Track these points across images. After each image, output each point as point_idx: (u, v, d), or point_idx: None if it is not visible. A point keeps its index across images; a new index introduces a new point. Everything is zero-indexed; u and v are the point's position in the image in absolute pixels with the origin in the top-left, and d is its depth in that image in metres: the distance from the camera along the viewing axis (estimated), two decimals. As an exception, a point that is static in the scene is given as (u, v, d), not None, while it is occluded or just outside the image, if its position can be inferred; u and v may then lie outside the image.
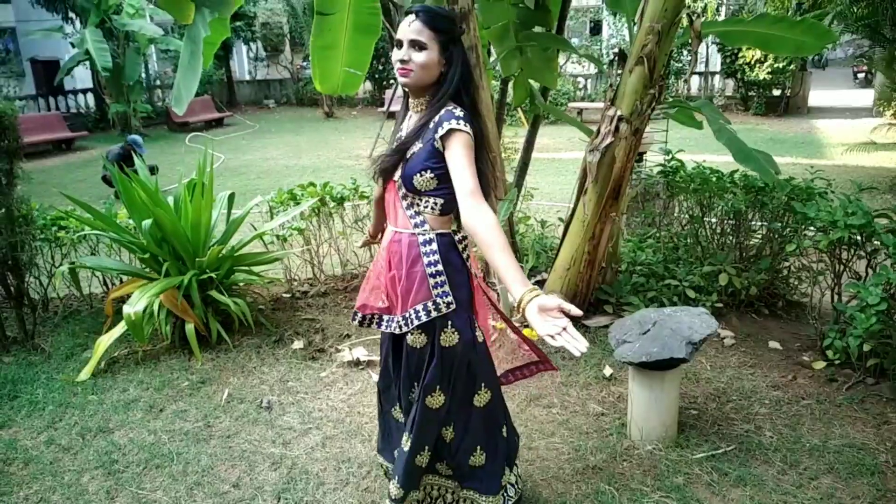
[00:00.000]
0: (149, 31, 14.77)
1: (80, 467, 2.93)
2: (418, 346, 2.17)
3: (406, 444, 2.25)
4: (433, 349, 2.15)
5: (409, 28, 1.97)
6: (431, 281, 2.10)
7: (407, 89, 2.09)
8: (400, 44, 2.00)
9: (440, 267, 2.10)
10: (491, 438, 2.31)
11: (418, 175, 2.02)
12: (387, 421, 2.46)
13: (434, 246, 2.10)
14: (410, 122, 2.13)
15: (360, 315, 2.32)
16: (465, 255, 2.18)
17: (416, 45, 1.97)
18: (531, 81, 4.77)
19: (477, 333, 2.21)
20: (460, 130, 1.95)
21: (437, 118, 2.00)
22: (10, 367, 3.86)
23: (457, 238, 2.16)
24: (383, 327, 2.26)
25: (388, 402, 2.42)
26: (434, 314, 2.11)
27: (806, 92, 16.26)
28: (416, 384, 2.23)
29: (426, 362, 2.17)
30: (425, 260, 2.10)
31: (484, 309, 2.32)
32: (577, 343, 1.62)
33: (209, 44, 3.86)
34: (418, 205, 2.09)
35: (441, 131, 1.96)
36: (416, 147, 2.04)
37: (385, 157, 2.13)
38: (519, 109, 5.44)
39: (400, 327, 2.17)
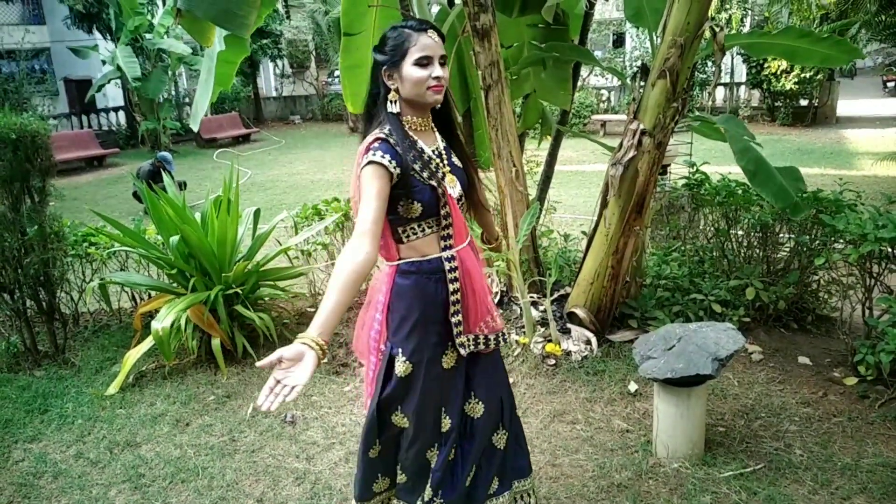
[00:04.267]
0: (178, 50, 15.09)
1: (107, 481, 2.97)
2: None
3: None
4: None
5: (437, 44, 1.88)
6: None
7: (424, 107, 1.96)
8: (428, 60, 1.86)
9: None
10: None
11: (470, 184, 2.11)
12: (421, 463, 2.16)
13: None
14: (426, 140, 2.03)
15: (472, 337, 2.08)
16: None
17: (443, 61, 1.90)
18: (543, 102, 4.79)
19: None
20: None
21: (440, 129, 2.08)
22: (42, 381, 3.94)
23: None
24: (492, 342, 2.12)
25: (429, 445, 2.14)
26: None
27: (834, 102, 15.99)
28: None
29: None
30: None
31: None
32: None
33: (228, 62, 3.91)
34: (464, 211, 2.14)
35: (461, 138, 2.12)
36: (456, 160, 2.08)
37: (447, 181, 1.99)
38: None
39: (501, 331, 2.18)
